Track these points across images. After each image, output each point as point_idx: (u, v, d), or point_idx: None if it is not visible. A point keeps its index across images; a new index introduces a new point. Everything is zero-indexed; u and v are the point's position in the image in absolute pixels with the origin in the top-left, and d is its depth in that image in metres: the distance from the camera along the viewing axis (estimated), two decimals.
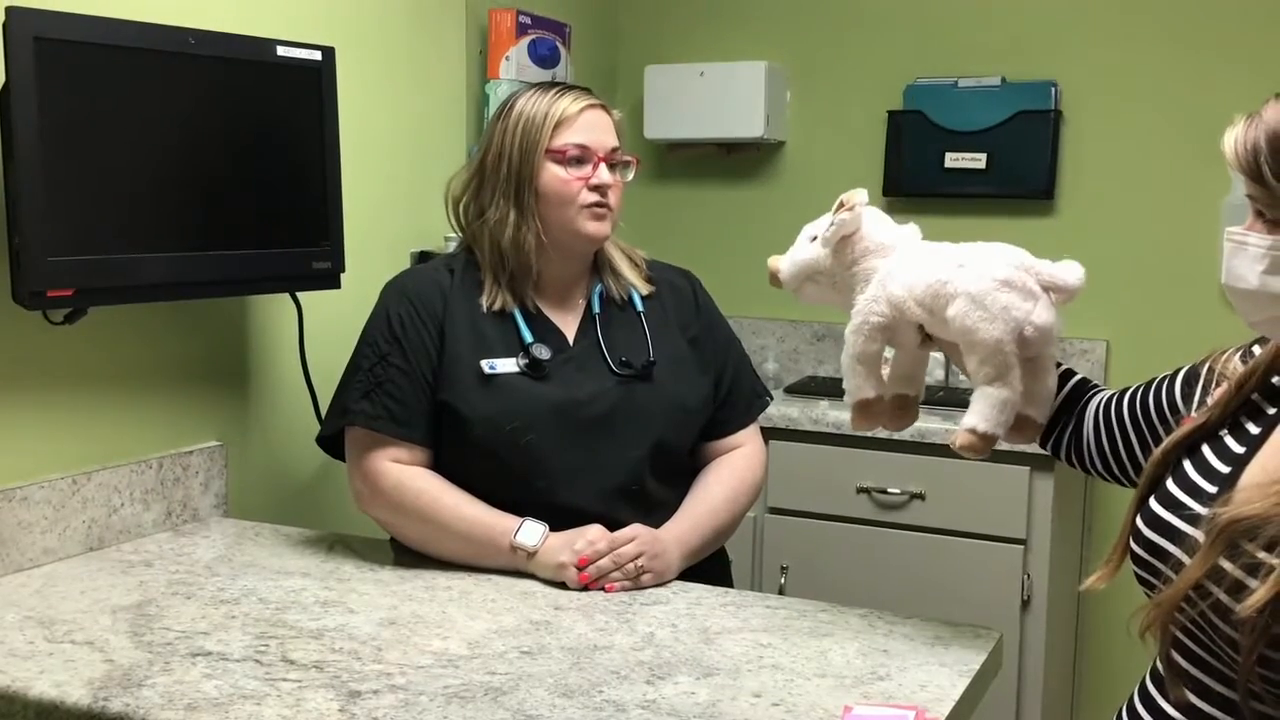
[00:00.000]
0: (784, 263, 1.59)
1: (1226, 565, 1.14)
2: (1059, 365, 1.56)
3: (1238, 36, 2.87)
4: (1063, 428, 1.57)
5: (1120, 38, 2.98)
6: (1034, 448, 1.61)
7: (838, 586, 2.69)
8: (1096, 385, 1.59)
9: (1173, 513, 1.24)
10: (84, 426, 1.92)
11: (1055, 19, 3.04)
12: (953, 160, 3.09)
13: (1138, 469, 1.44)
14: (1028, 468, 2.64)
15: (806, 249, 1.56)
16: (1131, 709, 1.29)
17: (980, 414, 1.44)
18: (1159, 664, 1.25)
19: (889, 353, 1.56)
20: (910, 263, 1.48)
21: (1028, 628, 2.70)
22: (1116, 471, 1.51)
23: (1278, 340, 1.26)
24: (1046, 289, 1.43)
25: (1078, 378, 1.59)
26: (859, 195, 1.52)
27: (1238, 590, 1.12)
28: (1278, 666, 1.12)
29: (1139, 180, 2.99)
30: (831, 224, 1.52)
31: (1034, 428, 1.53)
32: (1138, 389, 1.50)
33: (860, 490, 2.79)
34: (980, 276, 1.41)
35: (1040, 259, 1.45)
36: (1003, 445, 1.50)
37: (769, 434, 2.55)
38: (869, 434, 1.53)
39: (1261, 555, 1.12)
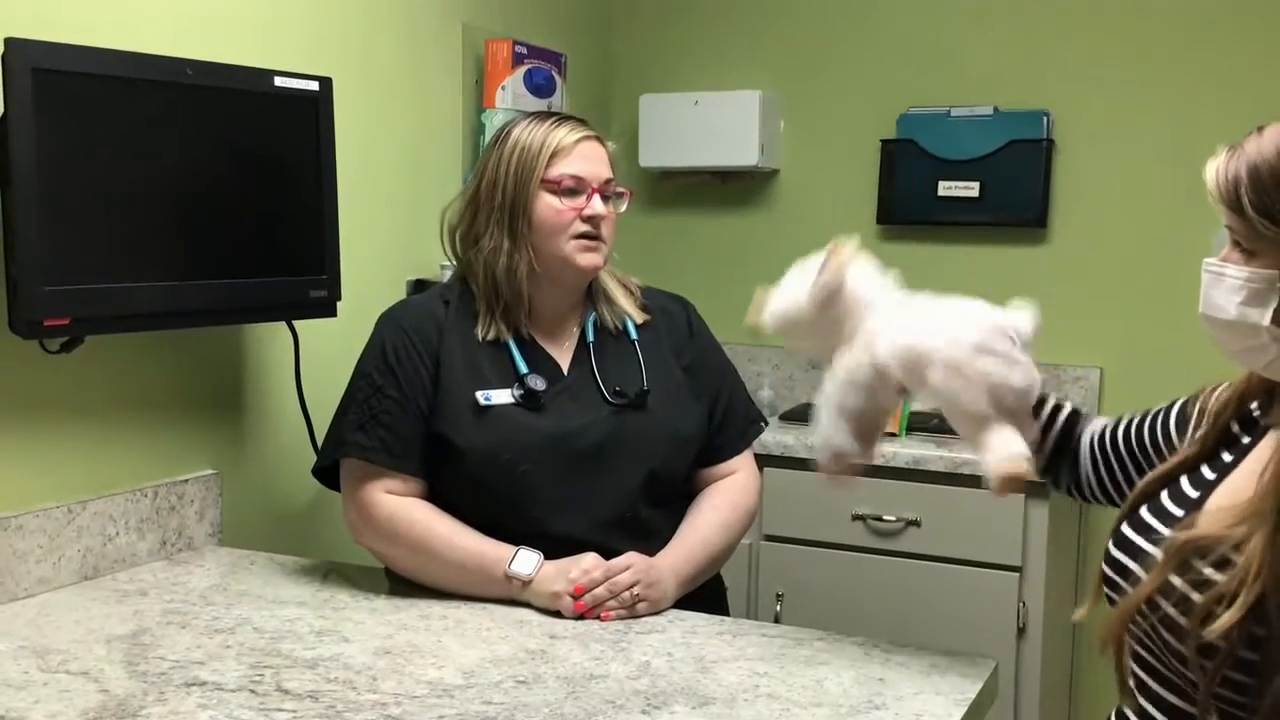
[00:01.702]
0: (767, 314, 1.60)
1: (1175, 581, 1.17)
2: (1047, 400, 1.58)
3: (1229, 66, 2.89)
4: (1060, 464, 1.59)
5: (1112, 67, 3.00)
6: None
7: (833, 614, 2.68)
8: (1086, 415, 1.61)
9: (1141, 535, 1.27)
10: (80, 455, 1.92)
11: (1047, 49, 3.06)
12: (946, 189, 3.09)
13: None
14: (1023, 495, 2.64)
15: (791, 297, 1.57)
16: None
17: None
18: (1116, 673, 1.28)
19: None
20: (893, 324, 1.50)
21: (1023, 655, 2.69)
22: (1116, 498, 1.52)
23: (1255, 371, 1.28)
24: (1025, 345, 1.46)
25: (1067, 411, 1.60)
26: (846, 249, 1.53)
27: (1184, 604, 1.15)
28: (1237, 687, 1.14)
29: (1131, 208, 3.01)
30: (818, 278, 1.53)
31: None
32: (1133, 419, 1.51)
33: (856, 517, 2.79)
34: (957, 342, 1.43)
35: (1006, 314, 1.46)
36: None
37: (764, 461, 2.56)
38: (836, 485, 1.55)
39: (1208, 572, 1.15)
